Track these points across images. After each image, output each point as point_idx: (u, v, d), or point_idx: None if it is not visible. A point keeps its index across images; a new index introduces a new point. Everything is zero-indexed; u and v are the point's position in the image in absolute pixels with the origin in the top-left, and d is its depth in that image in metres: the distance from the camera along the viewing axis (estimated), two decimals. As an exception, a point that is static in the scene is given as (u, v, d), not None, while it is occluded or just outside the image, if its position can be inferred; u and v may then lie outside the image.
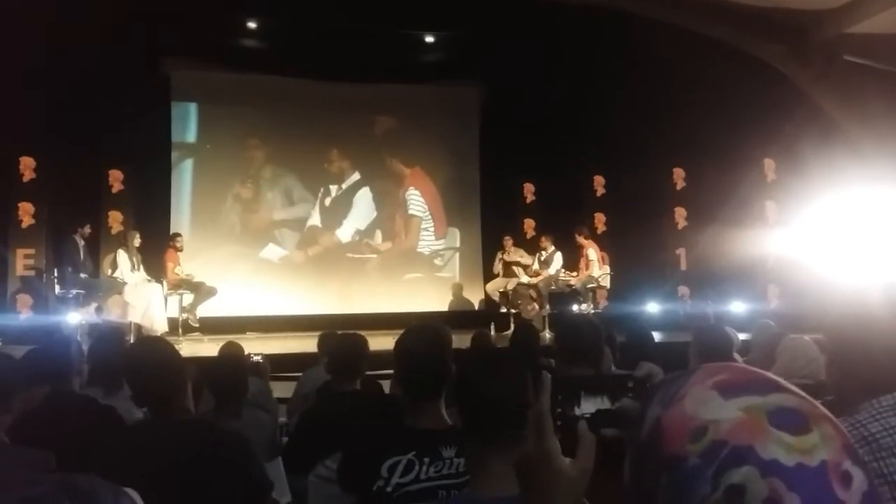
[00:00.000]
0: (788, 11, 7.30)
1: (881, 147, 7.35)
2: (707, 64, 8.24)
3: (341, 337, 3.35)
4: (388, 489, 1.99)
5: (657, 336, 7.31)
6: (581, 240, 9.40)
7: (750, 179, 9.45)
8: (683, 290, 9.91)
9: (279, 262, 10.36)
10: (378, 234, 10.87)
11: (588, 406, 0.89)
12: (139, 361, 2.08)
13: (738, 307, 8.84)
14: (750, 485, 0.57)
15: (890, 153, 7.15)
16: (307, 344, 7.29)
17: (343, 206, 10.73)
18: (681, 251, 10.19)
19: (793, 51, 7.77)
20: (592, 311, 8.89)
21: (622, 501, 0.68)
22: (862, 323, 1.89)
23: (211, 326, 8.67)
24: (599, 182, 10.61)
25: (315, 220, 10.62)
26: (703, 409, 0.62)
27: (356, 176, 10.78)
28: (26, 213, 8.67)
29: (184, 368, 2.10)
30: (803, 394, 0.63)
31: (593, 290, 9.38)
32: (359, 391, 3.14)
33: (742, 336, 4.99)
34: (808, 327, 5.59)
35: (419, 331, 2.23)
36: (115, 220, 9.19)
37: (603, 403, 0.90)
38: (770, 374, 0.65)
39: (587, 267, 9.28)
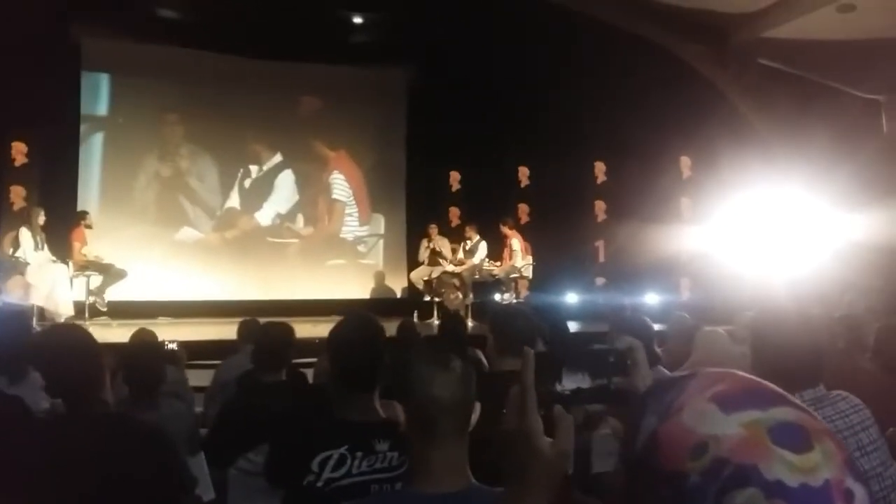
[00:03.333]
0: (709, 13, 7.57)
1: (790, 148, 7.74)
2: (631, 61, 8.44)
3: (267, 325, 3.24)
4: (319, 484, 1.94)
5: (574, 326, 7.50)
6: (506, 230, 9.50)
7: (667, 176, 9.78)
8: (601, 281, 10.17)
9: (194, 244, 9.98)
10: (300, 219, 10.63)
11: (569, 383, 0.88)
12: (55, 349, 1.94)
13: (652, 298, 9.16)
14: None
15: (798, 154, 7.54)
16: (223, 331, 7.06)
17: (264, 188, 10.42)
18: (599, 243, 10.46)
19: (712, 52, 8.07)
20: (515, 301, 9.01)
21: None
22: (782, 319, 1.96)
23: (120, 311, 8.27)
24: (524, 173, 10.75)
25: (234, 202, 10.27)
26: (702, 423, 0.60)
27: (278, 157, 10.50)
28: (-84, 186, 8.03)
29: (101, 357, 1.97)
30: (803, 405, 0.62)
31: (516, 279, 9.50)
32: (284, 381, 3.05)
33: (656, 326, 5.16)
34: (718, 319, 5.84)
35: (354, 321, 2.18)
36: (18, 195, 8.62)
37: (583, 380, 0.88)
38: (770, 385, 0.64)
39: (510, 257, 9.40)
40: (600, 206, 10.59)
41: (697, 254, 9.28)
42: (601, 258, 10.49)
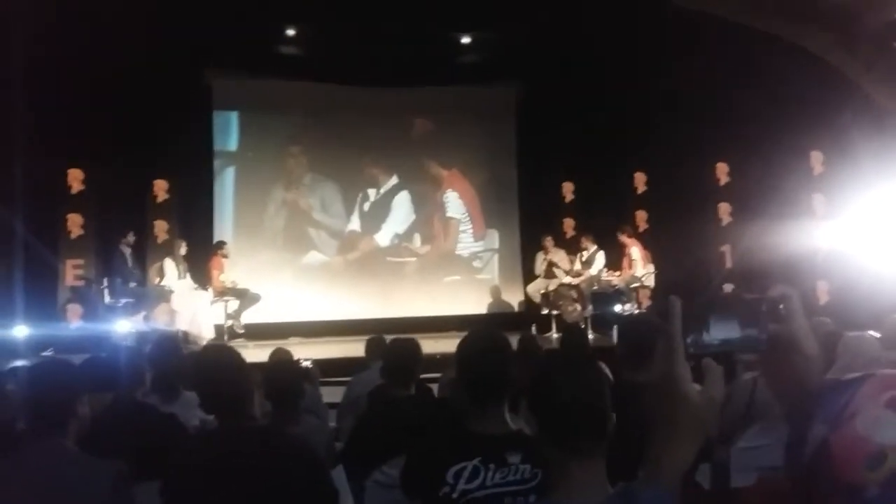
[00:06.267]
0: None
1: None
2: (750, 55, 8.07)
3: (396, 342, 3.34)
4: (454, 495, 1.98)
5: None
6: (624, 238, 9.28)
7: (796, 172, 9.21)
8: (729, 287, 9.70)
9: (320, 267, 10.44)
10: (417, 238, 10.88)
11: (717, 332, 0.86)
12: (210, 368, 2.10)
13: (786, 304, 8.60)
14: None
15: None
16: (348, 349, 7.34)
17: (382, 210, 10.77)
18: (726, 248, 9.99)
19: (840, 40, 7.57)
20: (636, 311, 8.77)
21: None
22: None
23: (255, 332, 8.79)
24: (640, 179, 10.45)
25: (354, 225, 10.68)
26: (878, 431, 0.58)
27: (394, 180, 10.82)
28: (75, 224, 8.88)
29: (251, 375, 2.12)
30: None
31: (636, 289, 9.25)
32: (414, 396, 3.13)
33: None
34: (862, 323, 5.43)
35: (482, 335, 2.22)
36: (161, 229, 9.35)
37: (733, 329, 0.86)
38: None
39: (630, 266, 9.17)
40: (725, 209, 10.11)
41: (835, 254, 8.67)
42: (728, 263, 10.01)
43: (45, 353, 7.47)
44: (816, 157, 9.42)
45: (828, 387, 0.64)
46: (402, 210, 10.82)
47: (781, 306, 0.87)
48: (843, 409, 0.60)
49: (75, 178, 8.93)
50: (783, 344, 0.85)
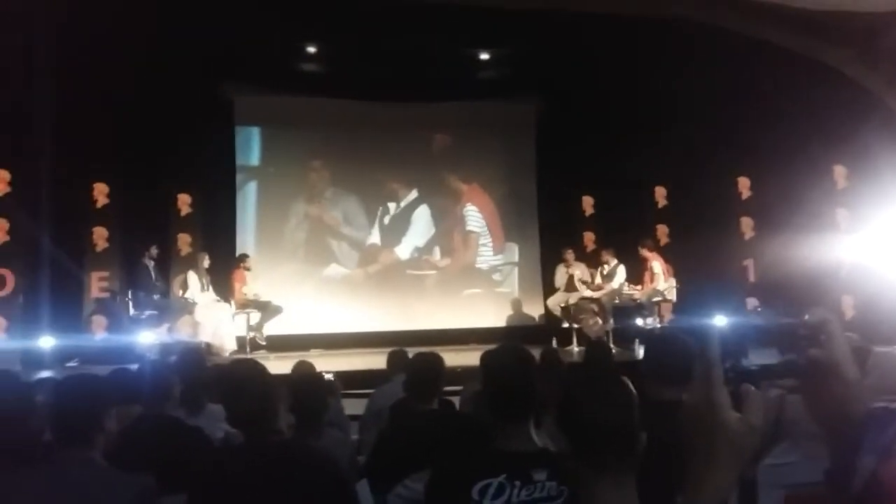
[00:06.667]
0: (855, 15, 7.06)
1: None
2: (771, 70, 8.03)
3: (419, 356, 3.34)
4: (480, 512, 1.97)
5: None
6: (645, 252, 9.23)
7: (819, 187, 9.12)
8: (752, 302, 9.60)
9: (341, 280, 10.49)
10: (437, 251, 10.90)
11: (756, 357, 0.86)
12: (237, 383, 2.12)
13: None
14: None
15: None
16: (369, 361, 7.35)
17: (402, 223, 10.81)
18: (748, 262, 9.90)
19: (861, 55, 7.50)
20: (659, 325, 8.71)
21: None
22: None
23: (277, 344, 8.84)
24: (661, 193, 10.41)
25: (375, 238, 10.73)
26: None
27: (414, 194, 10.86)
28: (100, 237, 9.01)
29: (276, 390, 2.13)
30: None
31: (658, 303, 9.19)
32: (437, 410, 3.13)
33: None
34: (886, 338, 5.35)
35: (507, 350, 2.22)
36: (185, 242, 9.46)
37: (771, 355, 0.87)
38: None
39: (652, 280, 9.11)
40: (747, 223, 10.03)
41: (859, 268, 8.56)
42: (751, 278, 9.91)
43: (70, 364, 7.58)
44: (840, 172, 9.34)
45: (873, 415, 0.63)
46: (421, 223, 10.85)
47: (821, 333, 0.86)
48: (893, 440, 0.59)
49: (101, 193, 9.07)
50: (823, 369, 0.84)
